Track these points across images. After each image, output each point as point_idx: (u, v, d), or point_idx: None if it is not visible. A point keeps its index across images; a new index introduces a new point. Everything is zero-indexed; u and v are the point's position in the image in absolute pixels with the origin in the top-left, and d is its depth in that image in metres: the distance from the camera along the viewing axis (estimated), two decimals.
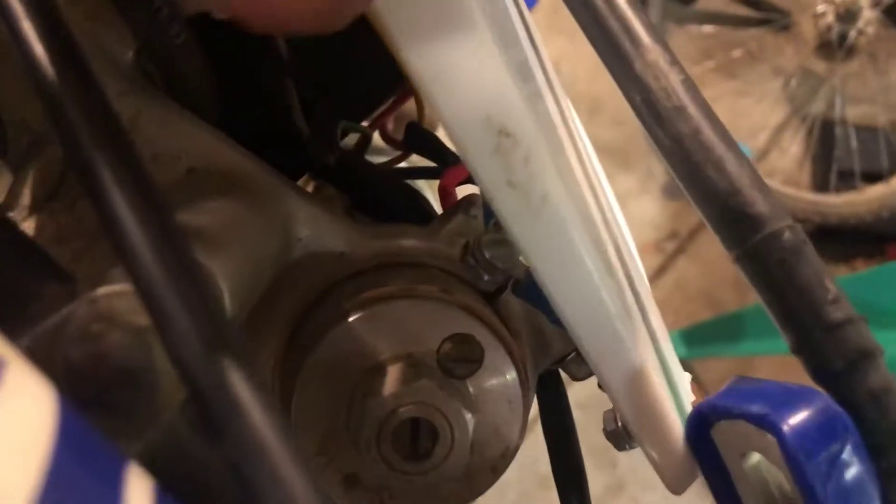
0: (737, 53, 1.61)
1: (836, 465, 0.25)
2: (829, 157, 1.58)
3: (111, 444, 0.13)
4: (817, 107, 1.59)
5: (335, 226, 0.30)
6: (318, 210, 0.29)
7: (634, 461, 1.40)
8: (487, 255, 0.28)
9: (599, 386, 0.29)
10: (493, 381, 0.29)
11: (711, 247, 1.63)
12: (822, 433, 0.25)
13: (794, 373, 0.26)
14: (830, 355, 0.24)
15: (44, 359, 0.13)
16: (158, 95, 0.27)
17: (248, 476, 0.13)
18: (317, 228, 0.29)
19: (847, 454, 0.25)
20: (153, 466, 0.14)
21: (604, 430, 0.32)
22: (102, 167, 0.15)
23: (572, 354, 0.33)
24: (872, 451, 0.24)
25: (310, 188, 0.37)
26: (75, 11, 0.26)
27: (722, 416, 0.27)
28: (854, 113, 1.60)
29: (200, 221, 0.23)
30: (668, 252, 1.60)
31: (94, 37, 0.26)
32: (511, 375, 0.29)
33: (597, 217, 0.27)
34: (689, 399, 0.31)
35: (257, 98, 0.32)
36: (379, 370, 0.28)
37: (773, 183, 1.58)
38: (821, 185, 1.59)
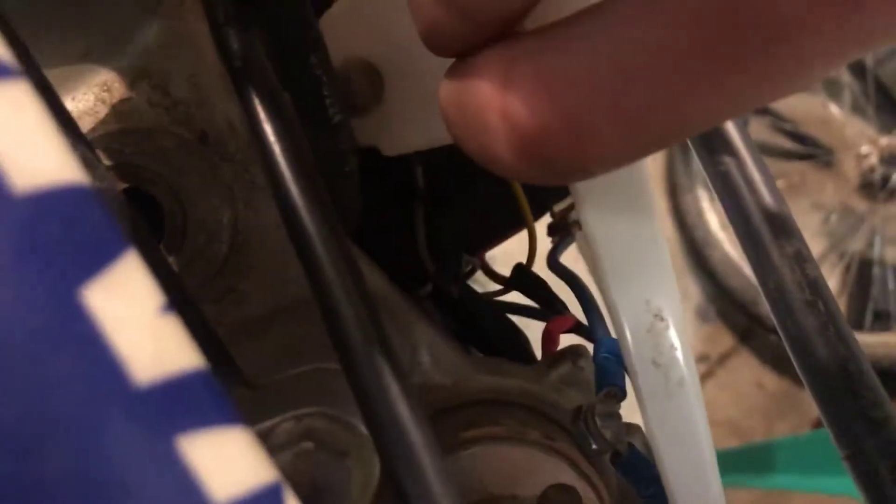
0: (779, 184, 1.63)
1: None
2: (866, 296, 1.58)
3: None
4: (856, 245, 1.60)
5: (451, 356, 0.30)
6: (440, 339, 0.30)
7: None
8: (599, 423, 0.28)
9: None
10: None
11: (742, 374, 1.61)
12: None
13: None
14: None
15: None
16: None
17: None
18: (436, 356, 0.30)
19: None
20: None
21: None
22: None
23: None
24: None
25: None
26: None
27: None
28: (893, 254, 1.61)
29: None
30: (698, 374, 1.58)
31: None
32: None
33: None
34: None
35: (393, 223, 0.33)
36: None
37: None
38: (856, 323, 1.58)
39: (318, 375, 0.25)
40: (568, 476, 0.29)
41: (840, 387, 0.26)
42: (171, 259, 0.28)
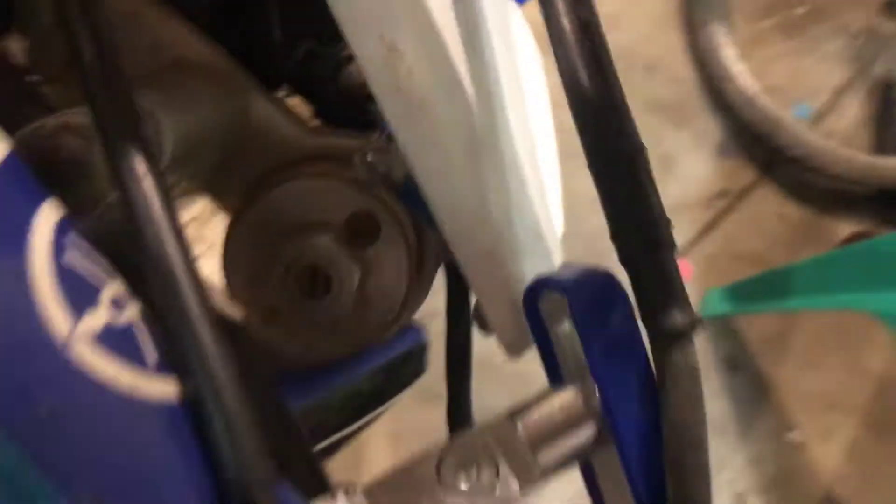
0: (800, 10, 1.59)
1: (610, 324, 0.32)
2: (891, 120, 1.55)
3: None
4: (881, 68, 1.56)
5: (283, 120, 0.39)
6: (271, 106, 0.39)
7: None
8: (369, 158, 0.37)
9: None
10: (386, 252, 0.38)
11: (764, 207, 1.63)
12: (602, 299, 0.32)
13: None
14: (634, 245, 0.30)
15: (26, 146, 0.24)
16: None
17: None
18: (269, 120, 0.39)
19: (620, 317, 0.32)
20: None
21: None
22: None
23: None
24: (642, 318, 0.30)
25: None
26: None
27: (545, 288, 0.33)
28: None
29: (168, 88, 0.33)
30: (719, 209, 1.62)
31: None
32: (400, 250, 0.38)
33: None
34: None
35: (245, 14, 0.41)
36: (299, 229, 0.37)
37: (832, 144, 1.56)
38: (880, 147, 1.57)
39: None
40: (371, 204, 0.38)
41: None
42: None
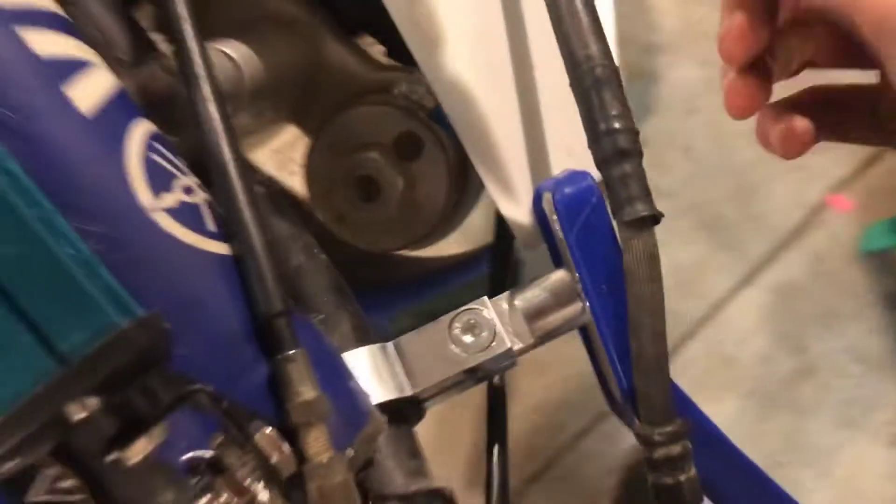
0: None
1: (585, 217, 0.39)
2: None
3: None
4: None
5: (352, 59, 0.49)
6: (342, 48, 0.49)
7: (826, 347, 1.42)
8: (404, 88, 0.45)
9: None
10: (428, 166, 0.47)
11: None
12: (578, 195, 0.39)
13: None
14: (605, 152, 0.36)
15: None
16: None
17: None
18: (340, 60, 0.49)
19: (594, 211, 0.38)
20: None
21: None
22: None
23: None
24: (612, 212, 0.37)
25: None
26: None
27: (543, 190, 0.41)
28: None
29: (252, 39, 0.44)
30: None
31: None
32: (440, 165, 0.47)
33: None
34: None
35: None
36: (359, 147, 0.47)
37: None
38: None
39: None
40: (416, 126, 0.47)
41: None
42: None
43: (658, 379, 0.35)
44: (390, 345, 0.39)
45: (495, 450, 0.58)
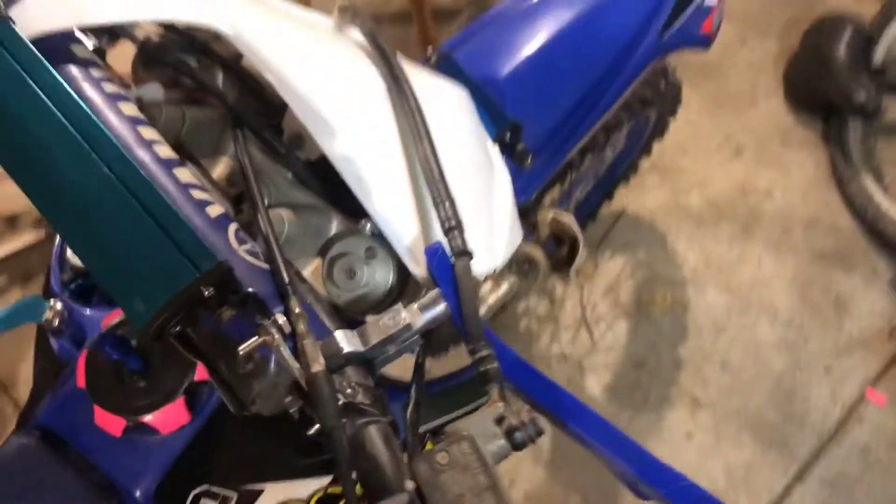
0: None
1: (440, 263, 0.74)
2: None
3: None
4: None
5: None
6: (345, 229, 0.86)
7: None
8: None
9: None
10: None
11: None
12: (439, 260, 0.75)
13: None
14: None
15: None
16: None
17: None
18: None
19: (443, 259, 0.73)
20: None
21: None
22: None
23: None
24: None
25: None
26: None
27: (428, 254, 0.76)
28: None
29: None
30: None
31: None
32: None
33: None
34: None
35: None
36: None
37: None
38: None
39: None
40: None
41: None
42: None
43: (476, 322, 0.65)
44: None
45: None
